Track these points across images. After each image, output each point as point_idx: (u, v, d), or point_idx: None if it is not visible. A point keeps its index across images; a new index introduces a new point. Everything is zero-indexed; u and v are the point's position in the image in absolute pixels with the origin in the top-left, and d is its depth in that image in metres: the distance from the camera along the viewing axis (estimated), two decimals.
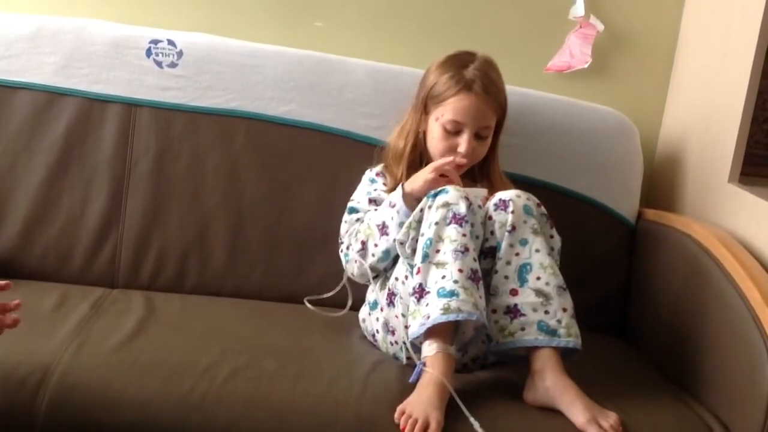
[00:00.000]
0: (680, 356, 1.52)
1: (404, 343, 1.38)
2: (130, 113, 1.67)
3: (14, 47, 1.65)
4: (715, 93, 1.76)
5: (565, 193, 1.77)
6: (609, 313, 1.78)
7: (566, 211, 1.63)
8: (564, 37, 1.92)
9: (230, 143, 1.69)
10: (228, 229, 1.68)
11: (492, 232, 1.40)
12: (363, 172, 1.62)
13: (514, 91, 1.60)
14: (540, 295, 1.36)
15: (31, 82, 1.65)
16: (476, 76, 1.50)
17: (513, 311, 1.36)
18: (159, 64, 1.69)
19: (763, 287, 1.36)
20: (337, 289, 1.55)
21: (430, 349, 1.30)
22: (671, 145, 1.92)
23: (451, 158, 1.47)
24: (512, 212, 1.39)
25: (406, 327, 1.35)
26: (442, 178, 1.45)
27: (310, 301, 1.58)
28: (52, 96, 1.65)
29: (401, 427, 1.20)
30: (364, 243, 1.50)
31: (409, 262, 1.39)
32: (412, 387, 1.28)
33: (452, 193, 1.37)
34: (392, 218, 1.46)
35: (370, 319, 1.52)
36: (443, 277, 1.31)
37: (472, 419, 1.22)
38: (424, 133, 1.57)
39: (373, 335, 1.51)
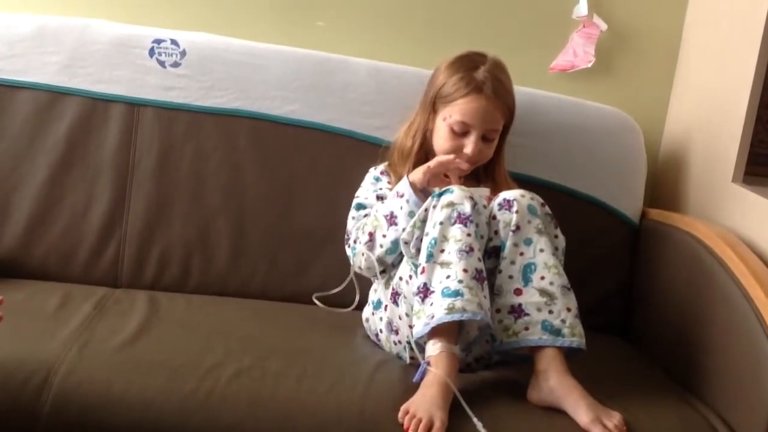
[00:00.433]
0: (684, 356, 1.52)
1: (408, 342, 1.38)
2: (133, 113, 1.67)
3: (17, 47, 1.65)
4: (718, 92, 1.76)
5: (568, 192, 1.77)
6: (612, 312, 1.78)
7: (569, 211, 1.63)
8: (567, 36, 1.92)
9: (233, 143, 1.69)
10: (231, 228, 1.68)
11: (496, 232, 1.40)
12: (366, 172, 1.62)
13: (517, 90, 1.60)
14: (544, 294, 1.36)
15: (33, 82, 1.65)
16: (486, 78, 1.50)
17: (517, 311, 1.36)
18: (162, 63, 1.68)
19: (767, 287, 1.36)
20: (345, 284, 1.55)
21: (434, 348, 1.30)
22: (675, 145, 1.92)
23: (452, 156, 1.46)
24: (516, 212, 1.39)
25: (410, 326, 1.35)
26: (445, 178, 1.45)
27: (317, 298, 1.58)
28: (55, 95, 1.65)
29: (405, 426, 1.19)
30: (371, 234, 1.48)
31: (414, 261, 1.39)
32: (415, 386, 1.27)
33: (457, 193, 1.37)
34: (401, 207, 1.45)
35: (374, 319, 1.51)
36: (448, 276, 1.31)
37: (475, 419, 1.22)
38: (431, 132, 1.57)
39: (377, 335, 1.51)
